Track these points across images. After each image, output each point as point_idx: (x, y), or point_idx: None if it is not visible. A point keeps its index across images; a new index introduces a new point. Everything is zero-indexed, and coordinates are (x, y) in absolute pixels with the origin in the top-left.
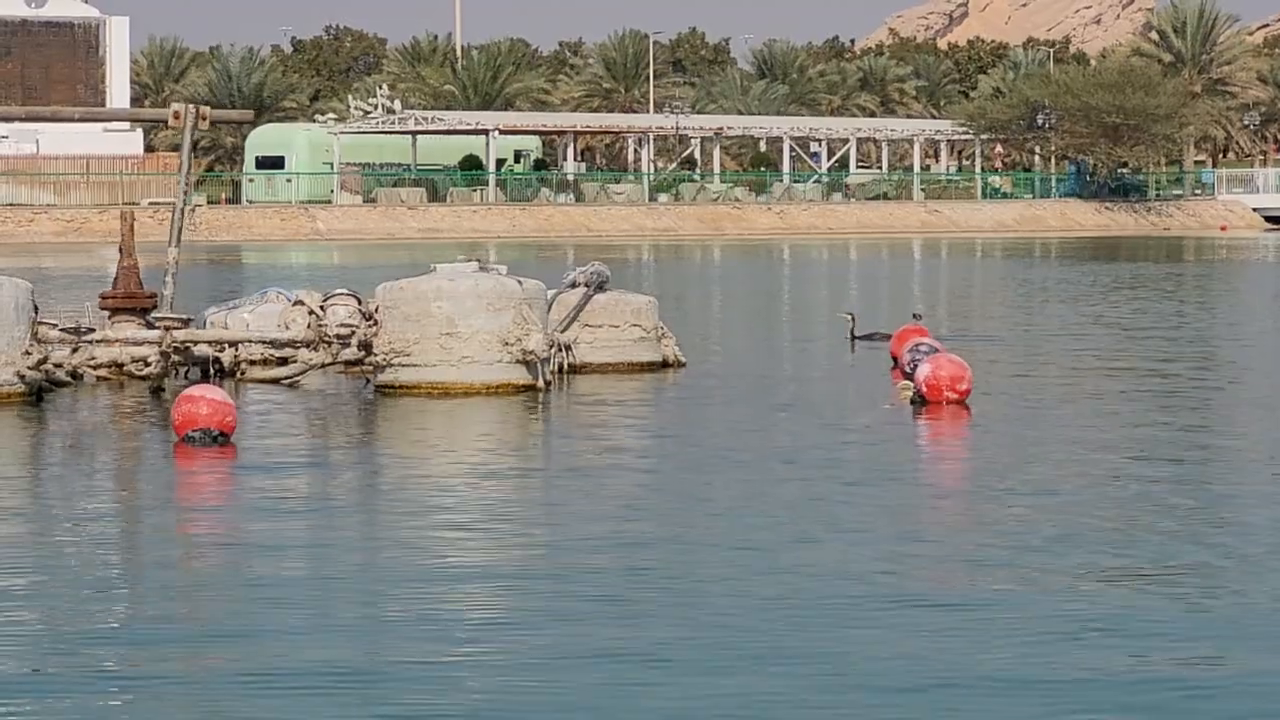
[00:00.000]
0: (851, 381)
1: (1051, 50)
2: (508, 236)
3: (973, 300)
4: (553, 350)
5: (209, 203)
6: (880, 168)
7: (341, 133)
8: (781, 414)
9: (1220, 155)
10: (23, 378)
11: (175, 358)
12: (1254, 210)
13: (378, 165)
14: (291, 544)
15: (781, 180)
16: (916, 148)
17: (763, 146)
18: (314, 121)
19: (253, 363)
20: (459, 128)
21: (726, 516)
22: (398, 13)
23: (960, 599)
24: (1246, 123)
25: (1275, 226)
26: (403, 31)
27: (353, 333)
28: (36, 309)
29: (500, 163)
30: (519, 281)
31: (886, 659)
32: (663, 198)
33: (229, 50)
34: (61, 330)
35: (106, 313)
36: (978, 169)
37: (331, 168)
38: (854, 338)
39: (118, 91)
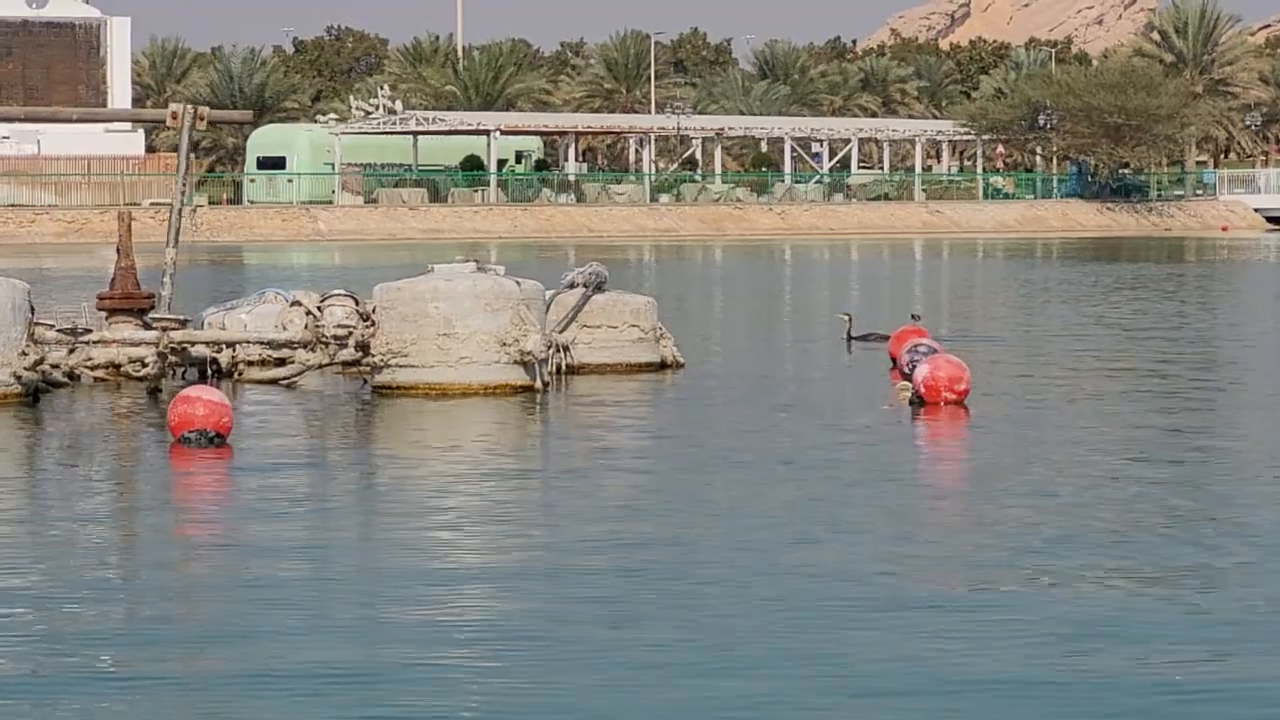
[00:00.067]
0: (850, 382)
1: (1053, 50)
2: (509, 237)
3: (973, 301)
4: (551, 351)
5: (210, 203)
6: (882, 168)
7: (343, 133)
8: (780, 415)
9: (1222, 156)
10: (19, 379)
11: (172, 359)
12: (1255, 211)
13: (379, 166)
14: (286, 546)
15: (783, 181)
16: (918, 148)
17: (764, 147)
18: (315, 122)
19: (250, 363)
20: (460, 128)
21: (724, 518)
22: (399, 13)
23: (959, 601)
24: (1248, 123)
25: (1277, 227)
26: (404, 32)
27: (350, 333)
28: (33, 309)
29: (501, 163)
30: (517, 282)
31: (885, 661)
32: (664, 198)
33: (231, 51)
34: (58, 331)
35: (104, 313)
36: (979, 170)
37: (333, 168)
38: (850, 338)
39: (119, 92)
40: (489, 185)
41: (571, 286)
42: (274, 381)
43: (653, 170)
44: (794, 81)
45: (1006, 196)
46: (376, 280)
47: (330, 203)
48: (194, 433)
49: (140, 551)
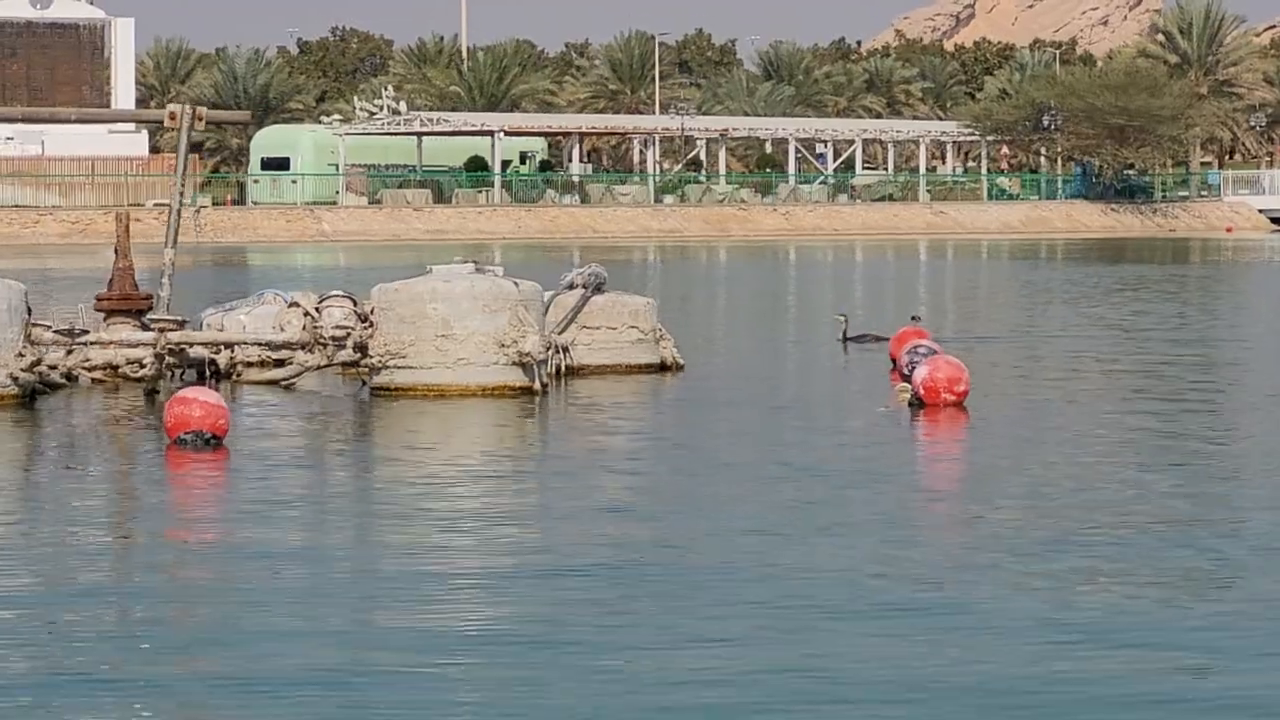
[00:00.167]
0: (850, 384)
1: (1058, 51)
2: (513, 238)
3: (975, 302)
4: (549, 352)
5: (214, 204)
6: (886, 169)
7: (347, 134)
8: (779, 417)
9: (1226, 157)
10: (16, 380)
11: (170, 360)
12: (1260, 212)
13: (383, 166)
14: (281, 548)
15: (787, 181)
16: (922, 149)
17: (768, 148)
18: (320, 123)
19: (250, 364)
20: (464, 129)
21: (722, 520)
22: (404, 14)
23: (956, 603)
24: (1253, 124)
25: None
26: (409, 33)
27: (348, 334)
28: (30, 310)
29: (506, 164)
30: (515, 283)
31: (879, 663)
32: (668, 199)
33: (235, 51)
34: (55, 332)
35: (102, 314)
36: (984, 171)
37: (337, 169)
38: (846, 339)
39: (123, 93)
40: (493, 186)
41: (570, 288)
42: (272, 383)
43: (657, 171)
44: (798, 82)
45: (1011, 197)
46: (381, 281)
47: (334, 204)
48: (190, 434)
49: (132, 554)
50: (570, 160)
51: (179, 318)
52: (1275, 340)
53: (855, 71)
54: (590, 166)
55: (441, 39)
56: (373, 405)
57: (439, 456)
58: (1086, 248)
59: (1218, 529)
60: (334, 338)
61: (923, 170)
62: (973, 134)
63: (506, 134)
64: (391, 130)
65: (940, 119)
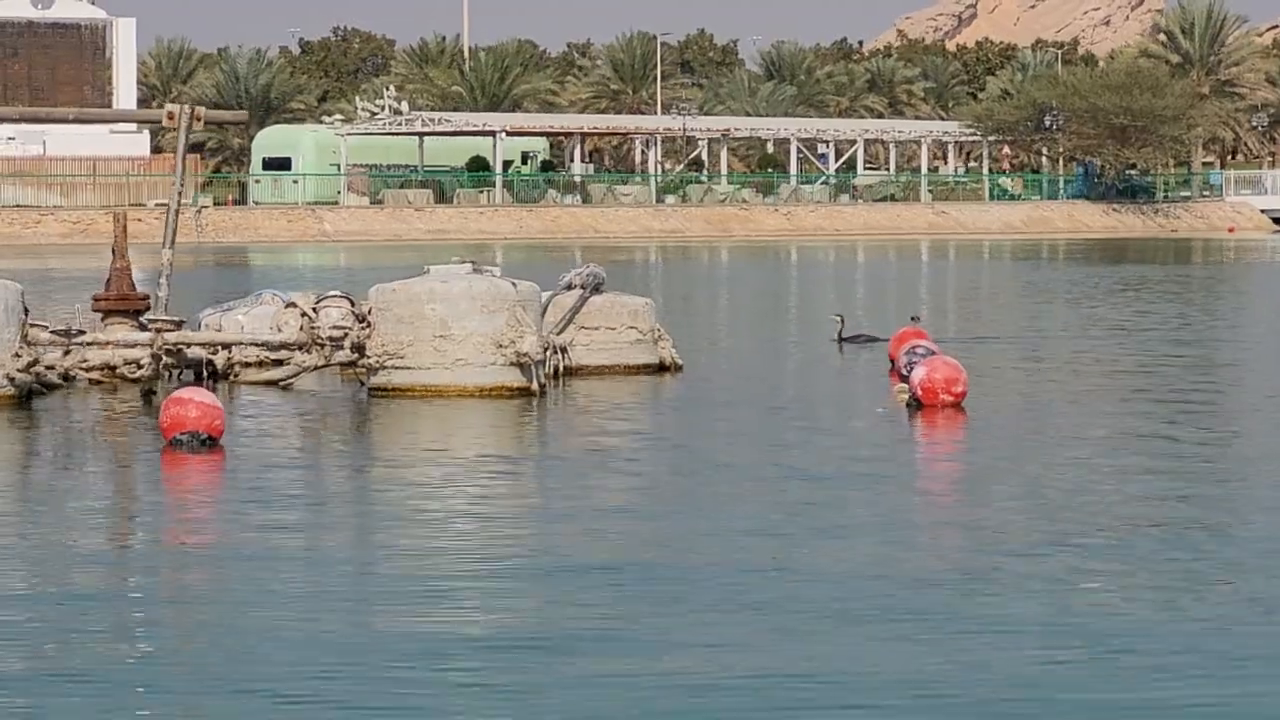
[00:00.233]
0: (849, 384)
1: (1060, 52)
2: (514, 238)
3: (976, 302)
4: (547, 353)
5: (215, 204)
6: (888, 169)
7: (348, 134)
8: (778, 417)
9: (1229, 157)
10: (12, 380)
11: (167, 360)
12: (1262, 212)
13: (385, 166)
14: (276, 550)
15: (789, 182)
16: (924, 149)
17: (770, 148)
18: (321, 123)
19: (248, 365)
20: (466, 129)
21: (720, 520)
22: (406, 14)
23: (955, 604)
24: (1255, 124)
25: None
26: (411, 33)
27: (345, 335)
28: (26, 311)
29: (507, 164)
30: (513, 283)
31: (878, 665)
32: (670, 199)
33: (237, 51)
34: (52, 332)
35: (99, 315)
36: (985, 171)
37: (338, 169)
38: (842, 339)
39: (124, 93)
40: (495, 186)
41: (569, 288)
42: (270, 383)
43: (659, 171)
44: (800, 82)
45: (1013, 198)
46: (382, 281)
47: (336, 204)
48: (186, 435)
49: (124, 556)
50: (572, 160)
51: (176, 318)
52: (1277, 341)
53: (857, 71)
54: (592, 167)
55: (443, 39)
56: (370, 406)
57: (436, 457)
58: (1088, 248)
59: (1218, 530)
60: (331, 338)
61: (924, 170)
62: (974, 134)
63: (508, 134)
64: (393, 130)
65: (942, 119)
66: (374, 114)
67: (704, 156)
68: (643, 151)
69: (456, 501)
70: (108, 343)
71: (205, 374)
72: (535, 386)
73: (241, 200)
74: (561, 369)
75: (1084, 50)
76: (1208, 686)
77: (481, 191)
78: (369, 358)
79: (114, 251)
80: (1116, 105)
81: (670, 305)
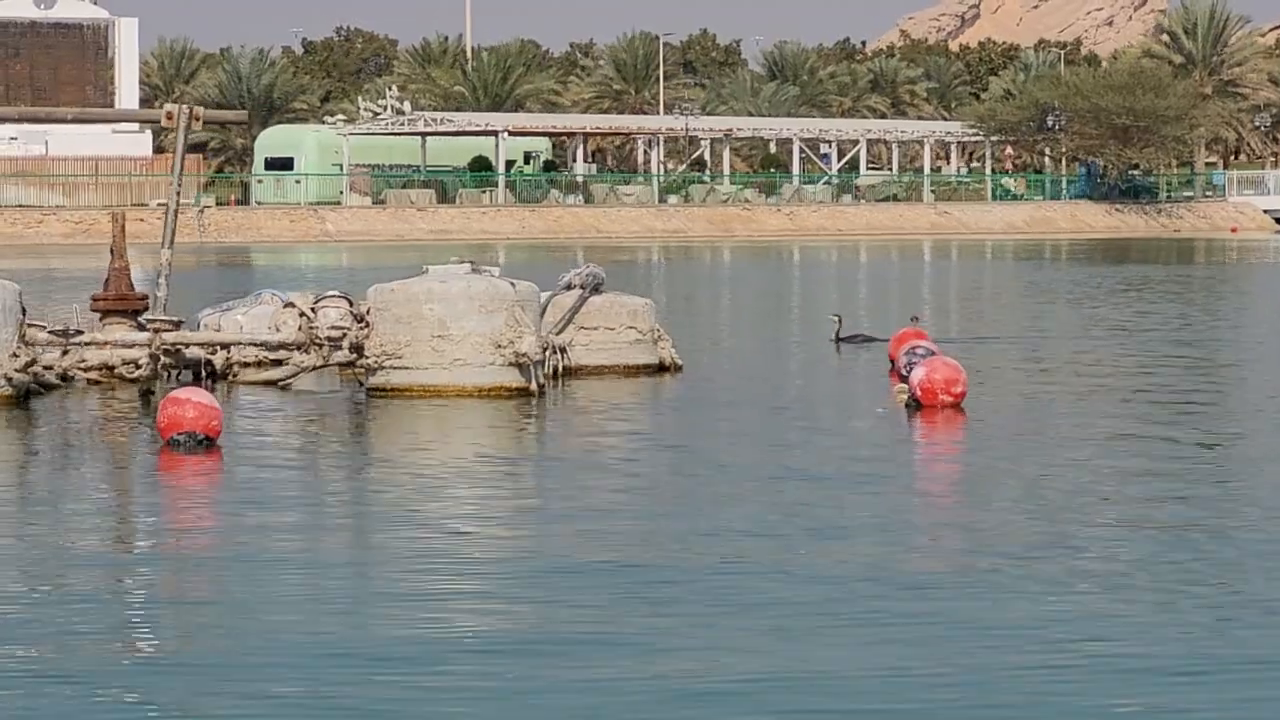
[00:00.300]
0: (850, 385)
1: (1063, 52)
2: (517, 238)
3: (978, 302)
4: (546, 353)
5: (218, 204)
6: (890, 169)
7: (351, 134)
8: (777, 418)
9: (1231, 157)
10: (9, 380)
11: (165, 360)
12: (1265, 212)
13: (387, 166)
14: (272, 552)
15: (791, 182)
16: (927, 149)
17: (773, 148)
18: (324, 123)
19: (247, 365)
20: (469, 129)
21: (719, 521)
22: (408, 14)
23: (953, 606)
24: (1257, 124)
25: None
26: (413, 33)
27: (344, 335)
28: (24, 311)
29: (510, 164)
30: (511, 283)
31: (877, 666)
32: (672, 199)
33: (239, 51)
34: (50, 332)
35: (97, 315)
36: (988, 171)
37: (341, 169)
38: (839, 339)
39: (126, 93)
40: (497, 186)
41: (568, 288)
42: (268, 383)
43: (661, 171)
44: (803, 82)
45: (1016, 198)
46: (384, 281)
47: (338, 204)
48: (183, 435)
49: (119, 558)
50: (574, 160)
51: (175, 318)
52: (1279, 341)
53: (860, 72)
54: (594, 167)
55: (446, 39)
56: (368, 406)
57: (434, 458)
58: (1091, 248)
59: (1218, 532)
60: (329, 338)
61: (927, 170)
62: (977, 134)
63: (511, 134)
64: (395, 130)
65: (945, 119)
66: (376, 114)
67: (706, 156)
68: (645, 151)
69: (454, 502)
70: (106, 343)
71: (204, 374)
72: (534, 387)
73: (244, 200)
74: (561, 369)
75: (1087, 50)
76: (1207, 691)
77: (484, 192)
78: (367, 358)
79: (112, 251)
80: (1119, 105)
81: (672, 305)
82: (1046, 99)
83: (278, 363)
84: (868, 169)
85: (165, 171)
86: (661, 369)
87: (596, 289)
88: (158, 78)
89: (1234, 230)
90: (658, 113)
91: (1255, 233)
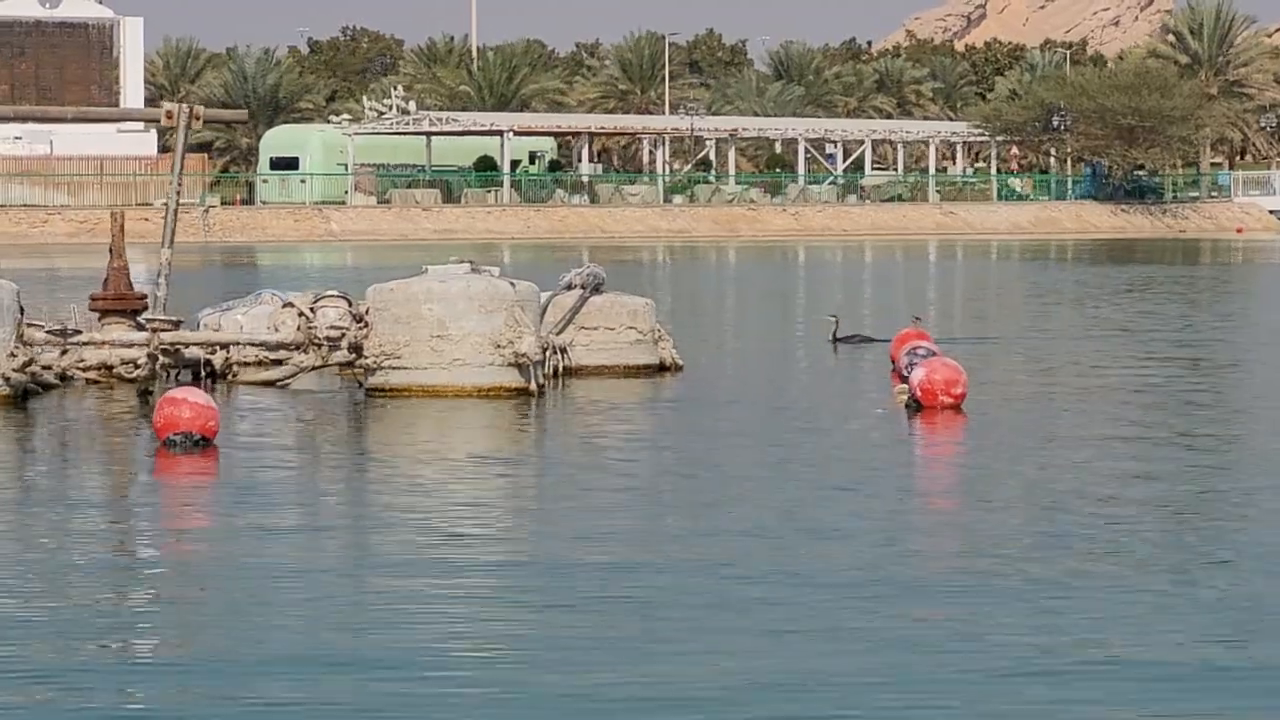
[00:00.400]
0: (850, 385)
1: (1069, 52)
2: (522, 238)
3: (981, 303)
4: (546, 353)
5: (223, 204)
6: (896, 169)
7: (356, 134)
8: (777, 418)
9: (1237, 157)
10: (7, 380)
11: (164, 360)
12: (1271, 213)
13: (392, 166)
14: (267, 554)
15: (796, 182)
16: (932, 149)
17: (778, 148)
18: (329, 122)
19: (247, 364)
20: (474, 129)
21: (717, 522)
22: (414, 14)
23: (952, 606)
24: (1263, 124)
25: None
26: (419, 32)
27: (342, 335)
28: (22, 310)
29: (515, 164)
30: (511, 283)
31: (876, 667)
32: (677, 199)
33: (245, 51)
34: (48, 332)
35: (96, 314)
36: (993, 171)
37: (346, 169)
38: (836, 340)
39: (131, 92)
40: (502, 186)
41: (569, 288)
42: (267, 383)
43: (666, 171)
44: (809, 82)
45: (1021, 198)
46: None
47: (343, 203)
48: (179, 435)
49: (113, 558)
50: (580, 160)
51: (174, 318)
52: None
53: (865, 72)
54: (600, 166)
55: (451, 39)
56: (367, 406)
57: (433, 458)
58: (1096, 248)
59: (1217, 533)
60: (329, 338)
61: (932, 171)
62: (982, 134)
63: (516, 134)
64: (401, 130)
65: (950, 119)
66: (382, 114)
67: (712, 156)
68: (650, 151)
69: (453, 503)
70: (104, 342)
71: (203, 374)
72: (533, 387)
73: (249, 200)
74: (561, 369)
75: (1093, 51)
76: (1208, 694)
77: (489, 191)
78: (366, 358)
79: (111, 251)
80: (1125, 106)
81: (675, 305)
82: (1052, 99)
83: (278, 363)
84: (873, 169)
85: (170, 171)
86: (662, 369)
87: (597, 289)
88: (163, 77)
89: (1239, 231)
90: (663, 112)
91: (1260, 233)
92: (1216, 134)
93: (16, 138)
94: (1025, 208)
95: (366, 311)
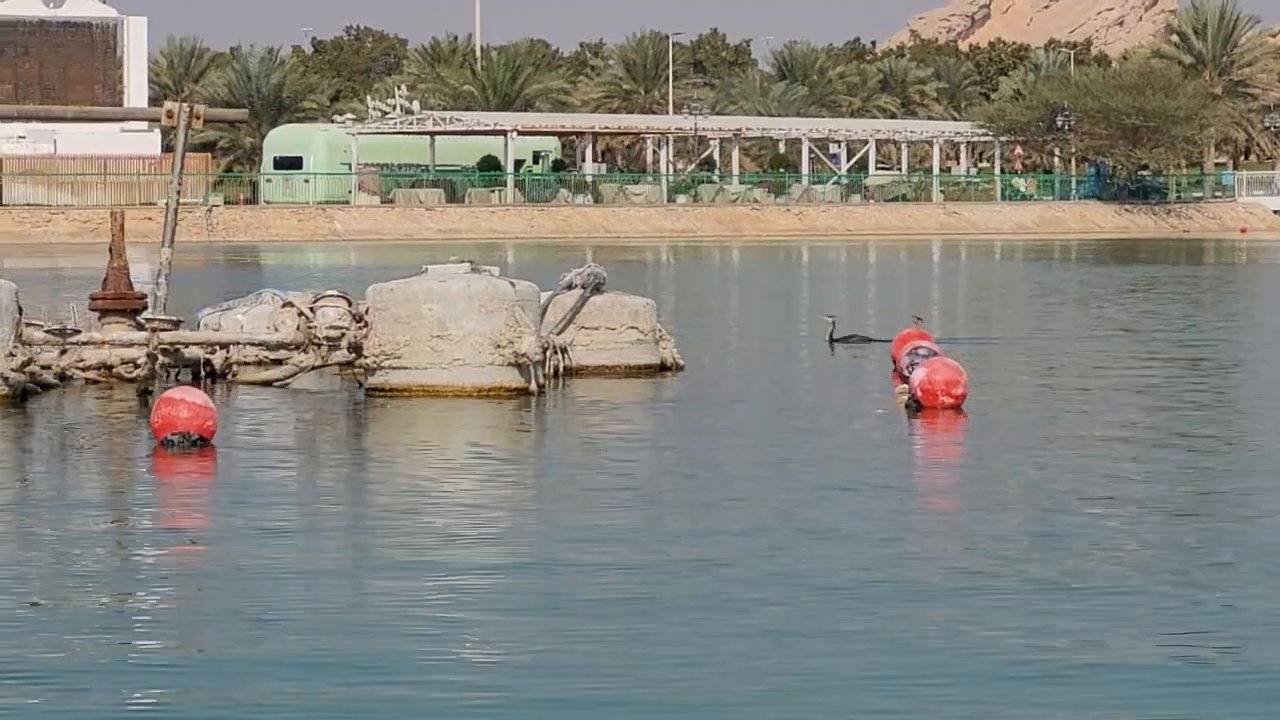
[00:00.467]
0: (851, 386)
1: (1073, 52)
2: (526, 237)
3: (984, 303)
4: (546, 353)
5: (226, 203)
6: (900, 169)
7: (359, 133)
8: (777, 418)
9: (1241, 157)
10: (6, 380)
11: (163, 360)
12: (1275, 213)
13: (396, 166)
14: (264, 555)
15: (800, 182)
16: (936, 149)
17: (782, 148)
18: (333, 122)
19: (247, 364)
20: (478, 128)
21: (717, 522)
22: (418, 13)
23: (951, 607)
24: (1268, 124)
25: None
26: (423, 32)
27: (342, 335)
28: (21, 310)
29: (519, 163)
30: (511, 283)
31: (875, 668)
32: (681, 199)
33: (249, 51)
34: (47, 332)
35: (96, 314)
36: (997, 171)
37: (349, 168)
38: (833, 340)
39: (135, 92)
40: (506, 186)
41: (569, 288)
42: (267, 383)
43: (670, 171)
44: (813, 82)
45: (1025, 198)
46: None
47: (347, 203)
48: (177, 435)
49: (109, 560)
50: (583, 160)
51: (174, 318)
52: None
53: (870, 72)
54: (604, 166)
55: (455, 38)
56: (367, 406)
57: (433, 458)
58: (1100, 248)
59: (1218, 534)
60: (328, 338)
61: (936, 171)
62: (987, 134)
63: (520, 133)
64: (404, 130)
65: (954, 119)
66: (385, 113)
67: (716, 156)
68: (654, 151)
69: (452, 503)
70: (104, 342)
71: (203, 374)
72: (533, 387)
73: (252, 199)
74: (561, 369)
75: (1097, 51)
76: (1207, 698)
77: (493, 191)
78: (366, 358)
79: (111, 250)
80: (1129, 106)
81: (678, 305)
82: (1056, 99)
83: (278, 362)
84: (877, 169)
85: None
86: (663, 369)
87: (598, 289)
88: (167, 77)
89: (1243, 231)
90: (667, 112)
91: (1265, 233)
92: (1221, 134)
93: (20, 137)
94: (1029, 208)
95: (366, 311)
